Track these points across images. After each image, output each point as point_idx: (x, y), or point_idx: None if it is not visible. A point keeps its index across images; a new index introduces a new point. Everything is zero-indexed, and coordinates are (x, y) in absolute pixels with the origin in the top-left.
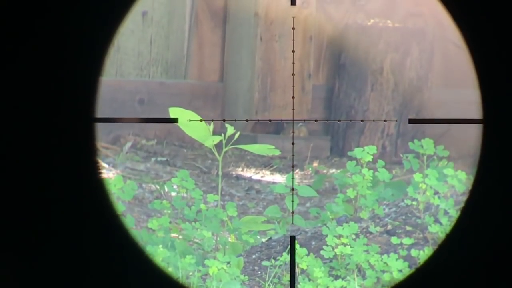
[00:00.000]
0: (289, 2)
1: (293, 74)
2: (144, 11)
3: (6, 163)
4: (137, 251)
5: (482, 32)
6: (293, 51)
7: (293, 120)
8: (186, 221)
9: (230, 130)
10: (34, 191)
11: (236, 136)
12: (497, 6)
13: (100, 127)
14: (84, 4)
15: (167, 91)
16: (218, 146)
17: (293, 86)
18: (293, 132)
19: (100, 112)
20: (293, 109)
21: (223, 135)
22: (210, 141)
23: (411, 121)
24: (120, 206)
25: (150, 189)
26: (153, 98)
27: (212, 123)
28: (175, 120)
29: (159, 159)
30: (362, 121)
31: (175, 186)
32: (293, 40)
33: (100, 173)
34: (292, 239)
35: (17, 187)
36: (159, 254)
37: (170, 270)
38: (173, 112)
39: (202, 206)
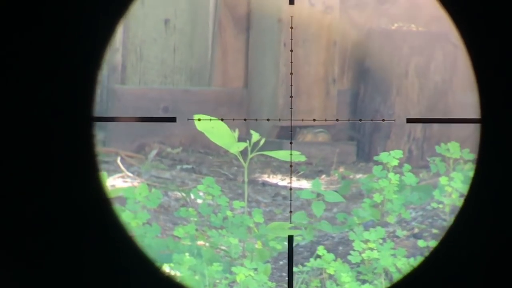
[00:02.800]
0: (288, 2)
1: (291, 73)
2: (166, 19)
3: (4, 162)
4: (136, 251)
5: (480, 32)
6: (291, 50)
7: (291, 125)
8: (212, 228)
9: (255, 136)
10: (33, 191)
11: (262, 142)
12: (496, 5)
13: (123, 136)
14: (82, 4)
15: (191, 98)
16: (244, 153)
17: (291, 85)
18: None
19: (127, 123)
20: (291, 108)
21: (248, 141)
22: (236, 147)
23: (409, 120)
24: (145, 214)
25: (176, 197)
26: (178, 106)
27: (237, 129)
28: (173, 119)
29: (184, 166)
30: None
31: (201, 193)
32: (291, 39)
33: (99, 172)
34: (290, 238)
35: (16, 187)
36: (186, 262)
37: (196, 278)
38: (197, 120)
39: (229, 213)
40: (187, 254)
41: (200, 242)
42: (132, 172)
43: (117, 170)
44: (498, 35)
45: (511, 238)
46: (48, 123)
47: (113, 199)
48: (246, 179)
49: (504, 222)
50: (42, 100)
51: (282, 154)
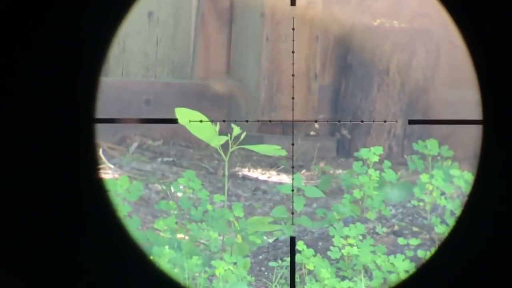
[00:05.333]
0: (289, 2)
1: (293, 75)
2: (150, 11)
3: (5, 163)
4: (138, 252)
5: (481, 32)
6: (293, 52)
7: (293, 121)
8: (192, 222)
9: (236, 130)
10: (34, 191)
11: (242, 136)
12: (497, 6)
13: (105, 128)
14: (85, 4)
15: (173, 91)
16: (225, 146)
17: (292, 87)
18: (292, 133)
19: (106, 113)
20: (292, 109)
21: (229, 135)
22: (216, 141)
23: (411, 122)
24: (126, 207)
25: (156, 190)
26: (160, 99)
27: (218, 123)
28: (177, 121)
29: (165, 159)
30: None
31: (181, 187)
32: (293, 40)
33: (100, 173)
34: (293, 240)
35: (17, 187)
36: (165, 255)
37: (176, 271)
38: (179, 113)
39: (209, 206)
40: (166, 247)
41: (180, 235)
42: (114, 164)
43: None
44: (500, 35)
45: None
46: (50, 124)
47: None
48: (226, 173)
49: (505, 224)
50: (44, 102)
51: (262, 148)
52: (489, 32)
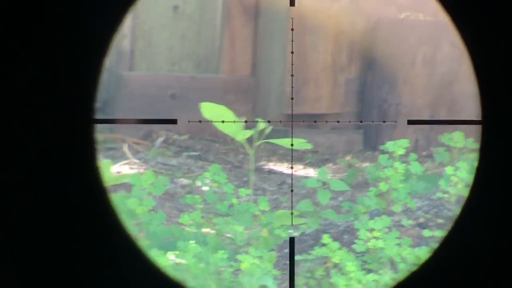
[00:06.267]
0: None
1: (292, 75)
2: (175, 5)
3: (4, 163)
4: (136, 252)
5: (481, 33)
6: (292, 52)
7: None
8: (218, 216)
9: (261, 124)
10: (34, 191)
11: (268, 130)
12: (497, 6)
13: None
14: (84, 4)
15: (199, 85)
16: (251, 140)
17: (292, 87)
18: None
19: (132, 108)
20: (290, 103)
21: (254, 129)
22: (242, 135)
23: (410, 122)
24: (150, 201)
25: (182, 184)
26: (185, 93)
27: (244, 117)
28: (174, 121)
29: (191, 153)
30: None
31: (207, 181)
32: (292, 41)
33: (100, 173)
34: (292, 240)
35: (17, 187)
36: (191, 250)
37: (201, 265)
38: (204, 107)
39: (234, 200)
40: (192, 241)
41: (205, 230)
42: (139, 159)
43: (123, 157)
44: (499, 36)
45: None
46: (48, 124)
47: (117, 187)
48: (252, 167)
49: (505, 225)
50: (42, 102)
51: (287, 142)
52: (488, 33)
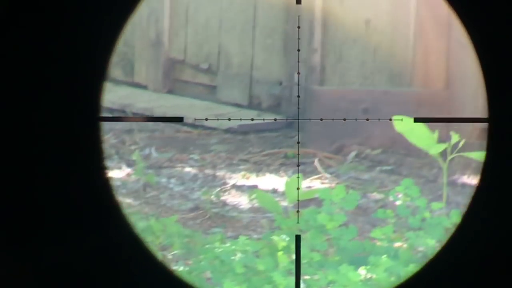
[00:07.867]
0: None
1: (298, 73)
2: (367, 19)
3: (10, 162)
4: (143, 252)
5: (488, 30)
6: (298, 50)
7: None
8: (410, 230)
9: (455, 138)
10: (38, 190)
11: (461, 144)
12: (504, 4)
13: (322, 138)
14: (90, 3)
15: (391, 99)
16: (444, 154)
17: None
18: None
19: (323, 124)
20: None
21: (448, 143)
22: (435, 149)
23: (416, 120)
24: (341, 216)
25: (374, 199)
26: (378, 107)
27: (436, 131)
28: (180, 119)
29: (384, 168)
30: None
31: (399, 195)
32: (299, 39)
33: (106, 173)
34: (298, 238)
35: (21, 186)
36: (382, 264)
37: (392, 279)
38: (397, 121)
39: (427, 214)
40: (384, 256)
41: (397, 244)
42: (331, 173)
43: (314, 172)
44: (506, 33)
45: None
46: (54, 123)
47: (308, 202)
48: (445, 181)
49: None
50: (48, 100)
51: (480, 155)
52: (496, 31)
